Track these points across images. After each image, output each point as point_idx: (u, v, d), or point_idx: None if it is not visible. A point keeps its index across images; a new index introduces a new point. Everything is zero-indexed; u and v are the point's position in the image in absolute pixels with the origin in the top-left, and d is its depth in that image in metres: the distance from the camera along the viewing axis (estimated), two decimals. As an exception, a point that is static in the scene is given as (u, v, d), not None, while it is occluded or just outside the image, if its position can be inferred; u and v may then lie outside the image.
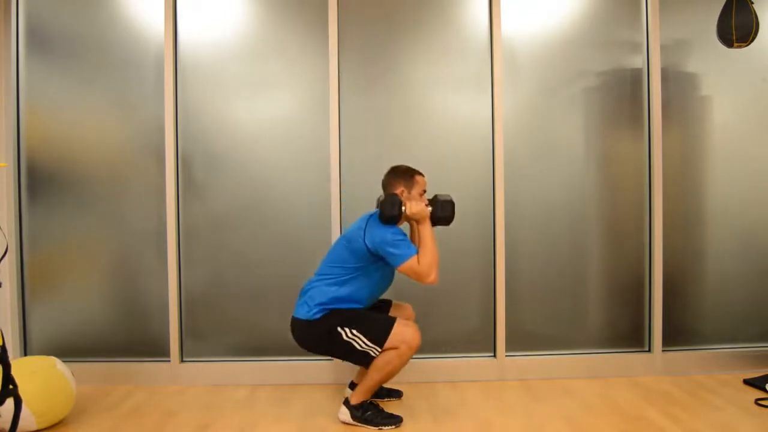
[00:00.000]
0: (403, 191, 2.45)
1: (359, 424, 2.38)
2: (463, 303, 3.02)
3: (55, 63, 2.96)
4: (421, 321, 2.95)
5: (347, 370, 2.90)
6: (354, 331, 2.31)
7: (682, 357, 3.03)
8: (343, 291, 2.38)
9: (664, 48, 3.02)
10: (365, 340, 2.30)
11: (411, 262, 2.27)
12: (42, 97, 2.96)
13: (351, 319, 2.34)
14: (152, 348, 2.98)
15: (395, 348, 2.29)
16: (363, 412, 2.38)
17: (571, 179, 3.04)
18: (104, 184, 2.97)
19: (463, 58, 3.01)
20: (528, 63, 3.02)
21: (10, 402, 1.85)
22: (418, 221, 2.39)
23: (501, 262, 2.97)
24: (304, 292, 2.46)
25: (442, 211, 2.39)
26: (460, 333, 3.03)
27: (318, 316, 2.35)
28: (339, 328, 2.32)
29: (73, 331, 2.98)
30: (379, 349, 2.30)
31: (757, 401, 2.60)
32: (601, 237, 3.06)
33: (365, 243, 2.33)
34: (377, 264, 2.38)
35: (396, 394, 2.74)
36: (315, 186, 2.98)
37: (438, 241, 2.98)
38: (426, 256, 2.29)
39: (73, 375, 2.50)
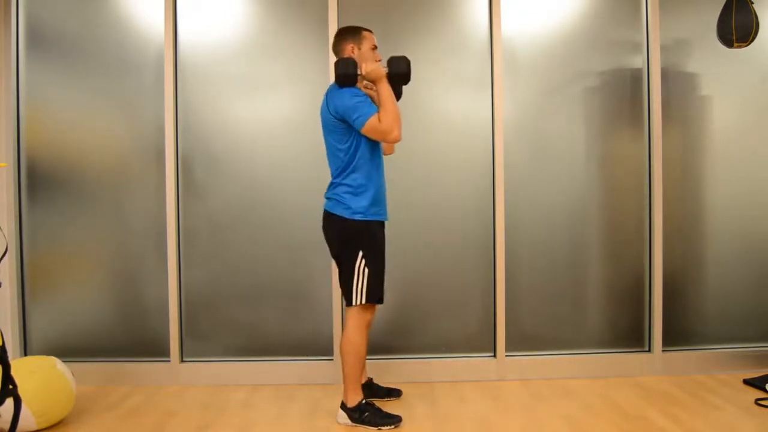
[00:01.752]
0: (353, 48, 2.43)
1: (358, 425, 2.38)
2: (463, 303, 3.02)
3: (55, 63, 2.96)
4: (421, 321, 2.96)
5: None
6: (366, 270, 2.35)
7: (682, 357, 3.03)
8: (355, 182, 2.37)
9: (664, 48, 3.02)
10: (363, 285, 2.34)
11: (372, 121, 2.27)
12: (42, 97, 2.96)
13: (374, 257, 2.38)
14: (152, 348, 2.98)
15: (353, 318, 2.36)
16: (361, 413, 2.38)
17: (571, 179, 3.04)
18: (104, 184, 2.97)
19: (463, 58, 3.01)
20: (528, 63, 3.02)
21: (9, 402, 1.85)
22: (374, 81, 2.37)
23: (501, 262, 2.97)
24: (331, 187, 2.46)
25: (398, 67, 2.37)
26: (460, 333, 3.03)
27: (354, 217, 2.36)
28: (360, 253, 2.35)
29: (73, 331, 2.98)
30: (358, 302, 2.35)
31: (757, 401, 2.60)
32: (601, 237, 3.06)
33: (330, 113, 2.35)
34: (358, 137, 2.36)
35: (395, 393, 2.73)
36: (315, 186, 2.97)
37: (438, 240, 2.99)
38: (387, 114, 2.29)
39: (73, 375, 2.50)
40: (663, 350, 3.01)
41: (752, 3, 2.63)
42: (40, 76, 2.96)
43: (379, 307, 2.61)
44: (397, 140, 2.34)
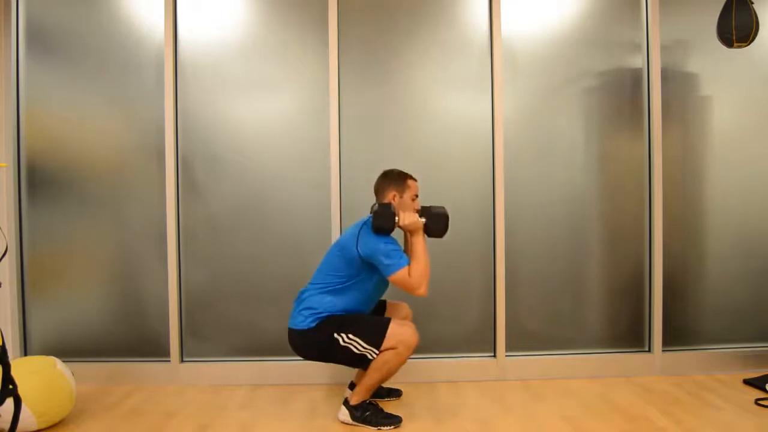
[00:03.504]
0: (395, 195, 2.44)
1: (358, 424, 2.38)
2: (463, 303, 3.02)
3: (55, 63, 2.96)
4: (421, 321, 2.95)
5: (347, 370, 2.90)
6: (350, 336, 2.31)
7: (682, 357, 3.03)
8: (338, 300, 2.38)
9: (664, 48, 3.02)
10: (362, 343, 2.30)
11: (402, 273, 2.28)
12: (42, 97, 2.96)
13: (346, 323, 2.34)
14: (152, 348, 2.98)
15: (393, 348, 2.29)
16: (362, 412, 2.38)
17: (571, 179, 3.04)
18: (104, 184, 2.97)
19: (463, 58, 3.01)
20: (528, 63, 3.02)
21: (9, 402, 1.86)
22: (411, 232, 2.38)
23: (501, 262, 2.97)
24: (298, 302, 2.46)
25: (435, 224, 2.38)
26: (461, 333, 3.03)
27: (313, 325, 2.35)
28: (335, 335, 2.32)
29: (73, 331, 2.98)
30: (377, 351, 2.30)
31: (757, 401, 2.60)
32: (601, 236, 3.06)
33: (358, 251, 2.33)
34: (370, 272, 2.38)
35: (396, 393, 2.74)
36: (315, 186, 2.98)
37: (438, 242, 2.99)
38: (418, 268, 2.30)
39: (73, 375, 2.50)
40: (663, 350, 3.01)
41: (752, 3, 2.63)
42: (40, 76, 2.96)
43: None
44: (423, 296, 2.32)
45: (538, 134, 3.03)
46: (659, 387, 2.83)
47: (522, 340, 3.03)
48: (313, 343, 2.37)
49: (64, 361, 2.60)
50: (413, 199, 2.47)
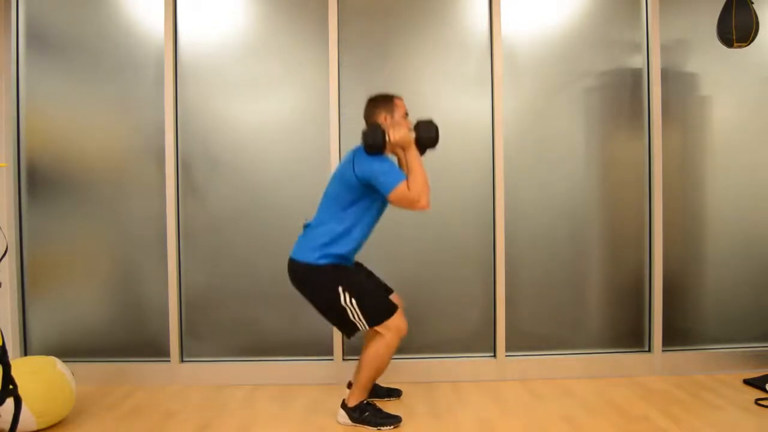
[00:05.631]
0: (385, 117, 2.42)
1: (358, 425, 2.38)
2: (463, 303, 3.02)
3: (55, 63, 2.96)
4: (421, 321, 2.96)
5: (347, 370, 2.90)
6: (353, 301, 2.30)
7: (682, 357, 3.03)
8: (342, 227, 2.35)
9: (664, 48, 3.02)
10: (360, 314, 2.31)
11: (401, 188, 2.25)
12: (42, 97, 2.96)
13: (354, 285, 2.33)
14: (152, 348, 2.98)
15: (382, 335, 2.30)
16: (361, 413, 2.38)
17: (571, 179, 3.04)
18: (104, 185, 2.97)
19: (463, 58, 3.01)
20: (528, 63, 3.02)
21: (10, 402, 1.86)
22: (403, 147, 2.35)
23: (501, 262, 2.97)
24: (304, 234, 2.44)
25: (426, 132, 2.37)
26: (461, 333, 3.03)
27: (322, 262, 2.33)
28: (340, 288, 2.31)
29: (73, 331, 2.98)
30: (368, 327, 2.31)
31: (757, 401, 2.60)
32: (601, 237, 3.06)
33: (355, 174, 2.31)
34: (372, 195, 2.36)
35: (395, 393, 2.74)
36: (315, 186, 2.98)
37: (438, 241, 2.99)
38: (415, 182, 2.27)
39: (73, 375, 2.50)
40: (663, 350, 3.01)
41: (752, 3, 2.63)
42: (40, 76, 2.96)
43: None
44: (425, 209, 2.29)
45: (538, 134, 3.03)
46: (659, 387, 2.83)
47: (522, 340, 3.03)
48: (317, 281, 2.35)
49: (64, 361, 2.60)
50: (404, 117, 2.45)
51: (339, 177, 2.40)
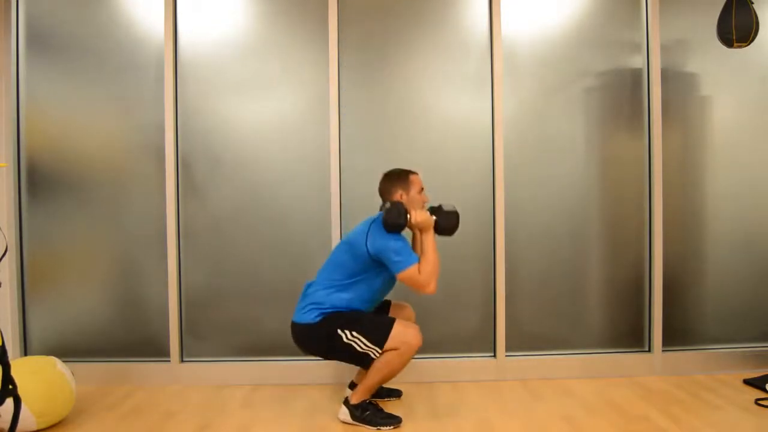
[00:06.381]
0: (401, 195, 2.44)
1: (358, 423, 2.38)
2: (463, 303, 3.02)
3: (55, 63, 2.96)
4: (421, 321, 2.95)
5: (347, 370, 2.90)
6: (354, 333, 2.31)
7: (682, 357, 3.03)
8: (344, 296, 2.38)
9: (664, 48, 3.02)
10: (365, 341, 2.30)
11: (412, 271, 2.27)
12: (42, 97, 2.96)
13: (350, 320, 2.34)
14: (152, 348, 2.98)
15: (396, 349, 2.29)
16: (362, 411, 2.38)
17: (571, 179, 3.04)
18: (104, 185, 2.97)
19: (463, 58, 3.01)
20: (528, 63, 3.02)
21: (9, 402, 1.85)
22: (421, 230, 2.38)
23: (501, 262, 2.97)
24: (304, 297, 2.46)
25: (446, 222, 2.38)
26: (461, 333, 3.03)
27: (317, 319, 2.35)
28: (339, 331, 2.32)
29: (73, 331, 2.98)
30: (380, 351, 2.30)
31: (757, 401, 2.60)
32: (601, 236, 3.06)
33: (367, 248, 2.32)
34: (378, 269, 2.38)
35: (396, 393, 2.74)
36: (315, 186, 2.98)
37: (438, 242, 2.99)
38: (427, 266, 2.29)
39: (73, 375, 2.50)
40: (663, 350, 3.01)
41: (752, 3, 2.63)
42: (40, 76, 2.96)
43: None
44: (431, 293, 2.31)
45: (538, 134, 3.03)
46: (659, 387, 2.83)
47: (522, 340, 3.03)
48: (317, 337, 2.37)
49: (64, 361, 2.60)
50: (420, 193, 2.47)
51: (348, 245, 2.40)
